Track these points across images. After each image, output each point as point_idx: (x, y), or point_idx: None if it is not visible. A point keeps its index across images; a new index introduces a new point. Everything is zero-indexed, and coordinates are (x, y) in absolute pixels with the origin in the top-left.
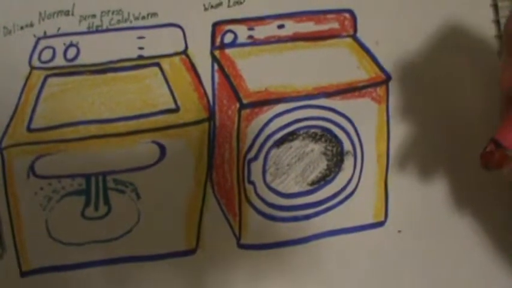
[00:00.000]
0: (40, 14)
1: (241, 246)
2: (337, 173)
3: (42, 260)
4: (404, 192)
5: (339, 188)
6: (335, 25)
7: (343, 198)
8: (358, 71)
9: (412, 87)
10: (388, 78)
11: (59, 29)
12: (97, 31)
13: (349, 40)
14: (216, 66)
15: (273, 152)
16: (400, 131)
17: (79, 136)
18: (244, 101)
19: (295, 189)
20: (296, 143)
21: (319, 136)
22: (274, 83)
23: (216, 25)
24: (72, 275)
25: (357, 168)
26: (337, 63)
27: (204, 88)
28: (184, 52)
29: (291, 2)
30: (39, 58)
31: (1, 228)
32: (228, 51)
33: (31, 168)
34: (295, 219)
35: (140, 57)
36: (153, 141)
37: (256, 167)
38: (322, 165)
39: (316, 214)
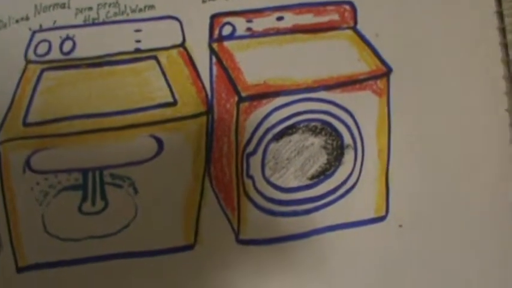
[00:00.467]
0: (36, 7)
1: (240, 241)
2: (337, 167)
3: (38, 256)
4: (406, 187)
5: (339, 182)
6: (335, 17)
7: (344, 193)
8: (359, 64)
9: (413, 80)
10: (389, 70)
11: (54, 22)
12: (93, 24)
13: (349, 32)
14: (214, 59)
15: (272, 145)
16: (401, 124)
17: (76, 130)
18: (243, 94)
19: (295, 183)
20: (295, 137)
21: (319, 129)
22: (273, 76)
23: (214, 17)
24: (69, 271)
25: (358, 162)
26: (337, 56)
27: (202, 81)
28: (182, 45)
29: None
30: (35, 52)
31: None
32: (226, 43)
33: (27, 162)
34: (295, 214)
35: (137, 50)
36: (151, 135)
37: (255, 161)
38: (322, 159)
39: (316, 209)
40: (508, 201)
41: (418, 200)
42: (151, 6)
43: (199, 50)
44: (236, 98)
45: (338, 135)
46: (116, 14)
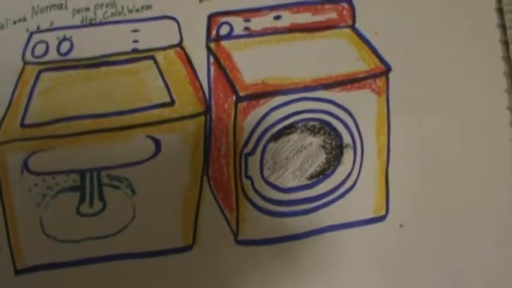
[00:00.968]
0: (33, 8)
1: (239, 242)
2: (336, 167)
3: (36, 258)
4: (406, 186)
5: (339, 182)
6: (333, 16)
7: (343, 192)
8: (358, 62)
9: (412, 78)
10: (388, 69)
11: (52, 23)
12: (91, 25)
13: (347, 31)
14: (211, 59)
15: (271, 145)
16: (400, 123)
17: (73, 131)
18: (241, 94)
19: (294, 183)
20: (294, 136)
21: (317, 129)
22: (271, 75)
23: (211, 17)
24: (67, 273)
25: (357, 162)
26: (336, 55)
27: (200, 81)
28: (180, 45)
29: None
30: (32, 53)
31: None
32: (223, 43)
33: (25, 164)
34: (294, 214)
35: (134, 50)
36: (148, 136)
37: (254, 161)
38: (321, 158)
39: (316, 209)
40: (508, 200)
41: (418, 199)
42: (149, 7)
43: (196, 49)
44: (234, 98)
45: (337, 135)
46: (113, 15)
